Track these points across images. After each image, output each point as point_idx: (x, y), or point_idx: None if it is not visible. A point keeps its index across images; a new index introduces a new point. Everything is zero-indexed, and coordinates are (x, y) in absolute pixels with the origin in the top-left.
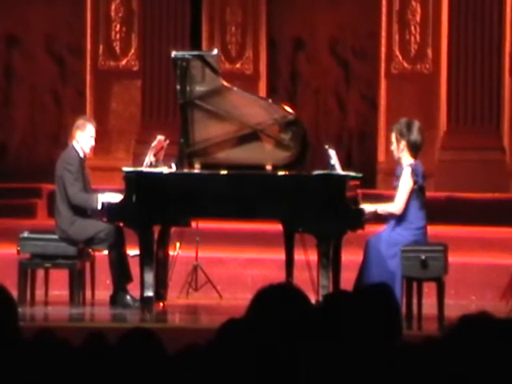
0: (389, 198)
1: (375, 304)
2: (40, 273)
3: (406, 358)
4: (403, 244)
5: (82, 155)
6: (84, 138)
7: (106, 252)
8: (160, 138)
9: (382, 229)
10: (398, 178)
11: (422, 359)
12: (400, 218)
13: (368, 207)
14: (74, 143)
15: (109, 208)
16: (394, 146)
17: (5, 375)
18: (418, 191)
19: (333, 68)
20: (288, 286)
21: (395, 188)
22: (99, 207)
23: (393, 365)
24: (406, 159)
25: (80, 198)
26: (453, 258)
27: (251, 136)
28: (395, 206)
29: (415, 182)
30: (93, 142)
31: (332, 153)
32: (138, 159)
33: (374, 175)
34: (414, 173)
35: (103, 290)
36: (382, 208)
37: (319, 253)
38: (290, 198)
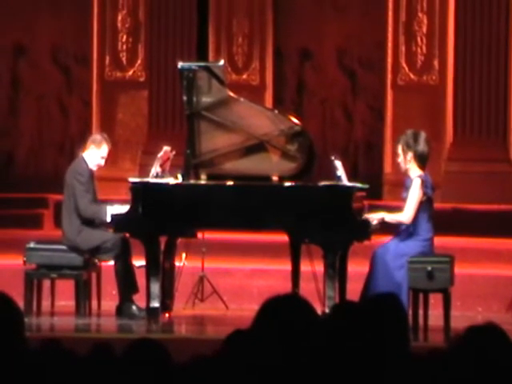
0: (395, 209)
1: (383, 314)
2: (46, 283)
3: (412, 370)
4: (410, 255)
5: (91, 167)
6: (95, 155)
7: (111, 262)
8: (166, 148)
9: (389, 240)
10: (407, 189)
11: (428, 370)
12: (408, 230)
13: (375, 215)
14: (85, 155)
15: (115, 218)
16: (400, 159)
17: None
18: (426, 203)
19: (339, 79)
20: (294, 296)
21: (404, 199)
22: (108, 220)
23: (399, 376)
24: (414, 171)
25: (91, 210)
26: (459, 270)
27: (257, 147)
28: (405, 216)
29: (424, 194)
30: (102, 163)
31: (338, 164)
32: (144, 170)
33: (381, 186)
34: (424, 184)
35: (109, 301)
36: (390, 217)
37: (325, 264)
38: (296, 209)
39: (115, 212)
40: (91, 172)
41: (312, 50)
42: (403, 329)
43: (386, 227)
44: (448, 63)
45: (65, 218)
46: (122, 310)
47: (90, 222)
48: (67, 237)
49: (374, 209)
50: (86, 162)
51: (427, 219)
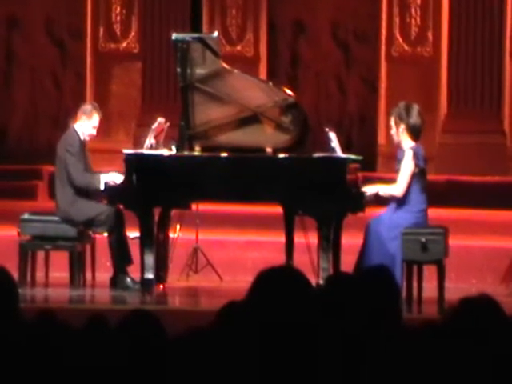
0: (389, 181)
1: (375, 287)
2: (40, 254)
3: (405, 342)
4: (404, 227)
5: (82, 138)
6: (87, 126)
7: (105, 234)
8: (160, 120)
9: (383, 211)
10: (399, 161)
11: (422, 342)
12: (401, 201)
13: (370, 189)
14: (76, 126)
15: (109, 190)
16: (393, 131)
17: (5, 356)
18: (419, 174)
19: (333, 51)
20: (288, 268)
21: (397, 171)
22: (102, 188)
23: (393, 348)
24: (407, 142)
25: (83, 179)
26: (453, 241)
27: (251, 119)
28: (397, 189)
29: (416, 165)
30: (94, 133)
31: (332, 135)
32: (138, 142)
33: (375, 158)
34: (416, 156)
35: (103, 272)
36: (383, 190)
37: (319, 235)
38: (290, 181)
39: (109, 179)
40: (83, 143)
41: (306, 23)
42: (395, 301)
43: (380, 199)
44: (442, 35)
45: (58, 190)
46: (116, 282)
47: (84, 194)
48: (60, 208)
49: (368, 180)
50: (77, 132)
51: (420, 191)
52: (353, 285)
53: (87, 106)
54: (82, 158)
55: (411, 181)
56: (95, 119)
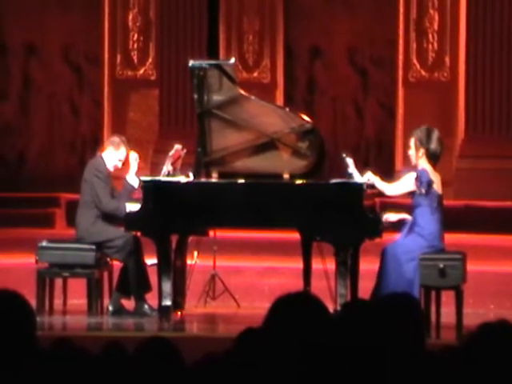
0: (405, 207)
1: (399, 314)
2: (58, 282)
3: (424, 367)
4: (418, 249)
5: (108, 167)
6: (113, 157)
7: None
8: (177, 147)
9: (399, 237)
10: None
11: (441, 368)
12: (412, 225)
13: (372, 177)
14: (104, 155)
15: (126, 217)
16: (411, 152)
17: None
18: (431, 196)
19: (350, 76)
20: (306, 294)
21: (408, 195)
22: None
23: (412, 374)
24: (423, 166)
25: (112, 205)
26: (471, 267)
27: (268, 145)
28: (389, 189)
29: (417, 188)
30: (119, 165)
31: (349, 161)
32: (155, 168)
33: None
34: (418, 179)
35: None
36: (378, 184)
37: (337, 261)
38: (308, 207)
39: (133, 208)
40: (109, 171)
41: (323, 48)
42: (419, 330)
43: (397, 225)
44: (459, 60)
45: (80, 210)
46: (113, 310)
47: (108, 219)
48: (80, 228)
49: (385, 206)
50: (104, 161)
51: (431, 212)
52: (370, 311)
53: (115, 138)
54: (109, 185)
55: (422, 204)
56: (122, 152)
